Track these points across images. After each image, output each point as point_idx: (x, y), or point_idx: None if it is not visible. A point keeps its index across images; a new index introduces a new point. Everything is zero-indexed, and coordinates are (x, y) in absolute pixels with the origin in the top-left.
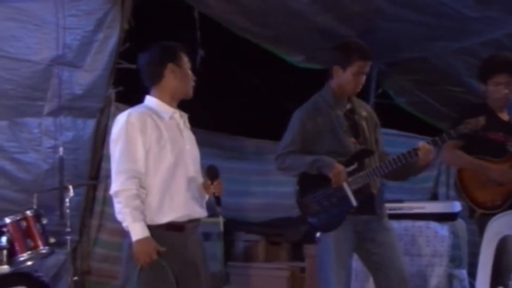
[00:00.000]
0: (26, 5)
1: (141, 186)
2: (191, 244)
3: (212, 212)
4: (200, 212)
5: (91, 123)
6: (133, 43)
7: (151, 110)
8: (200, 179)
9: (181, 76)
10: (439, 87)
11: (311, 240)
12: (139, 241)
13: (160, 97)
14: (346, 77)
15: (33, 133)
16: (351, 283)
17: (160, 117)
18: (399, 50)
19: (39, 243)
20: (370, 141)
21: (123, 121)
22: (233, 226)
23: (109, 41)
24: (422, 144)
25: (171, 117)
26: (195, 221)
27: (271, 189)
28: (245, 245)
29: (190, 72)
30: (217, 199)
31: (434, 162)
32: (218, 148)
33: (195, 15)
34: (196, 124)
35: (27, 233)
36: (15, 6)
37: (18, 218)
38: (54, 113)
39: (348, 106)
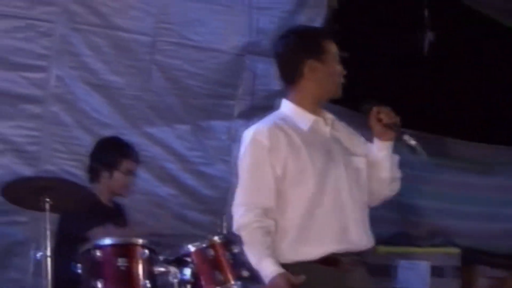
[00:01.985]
0: None
1: (270, 217)
2: (352, 283)
3: (443, 241)
4: (359, 243)
5: None
6: (343, 25)
7: (285, 120)
8: (362, 198)
9: (324, 75)
10: None
11: None
12: (271, 281)
13: (298, 102)
14: None
15: (221, 139)
16: None
17: (297, 128)
18: None
19: (230, 276)
20: None
21: (248, 139)
22: (472, 257)
23: (313, 23)
24: None
25: (313, 127)
26: (355, 255)
27: None
28: (490, 282)
29: (338, 67)
30: (394, 126)
31: None
32: (447, 157)
33: None
34: (418, 127)
35: (215, 264)
36: None
37: (204, 245)
38: (246, 114)
39: None
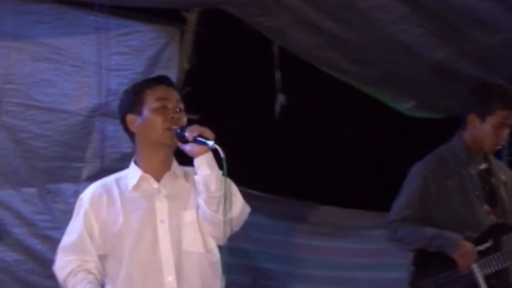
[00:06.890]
0: (60, 41)
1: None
2: None
3: None
4: None
5: None
6: (195, 87)
7: (119, 179)
8: (195, 251)
9: (142, 126)
10: None
11: None
12: None
13: (136, 159)
14: (484, 129)
15: (68, 203)
16: None
17: (124, 187)
18: None
19: None
20: (510, 213)
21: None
22: None
23: None
24: None
25: (138, 185)
26: None
27: (374, 274)
28: None
29: (158, 118)
30: (199, 138)
31: None
32: (301, 221)
33: (274, 51)
34: (271, 190)
35: None
36: (47, 43)
37: None
38: (95, 177)
39: (484, 165)
